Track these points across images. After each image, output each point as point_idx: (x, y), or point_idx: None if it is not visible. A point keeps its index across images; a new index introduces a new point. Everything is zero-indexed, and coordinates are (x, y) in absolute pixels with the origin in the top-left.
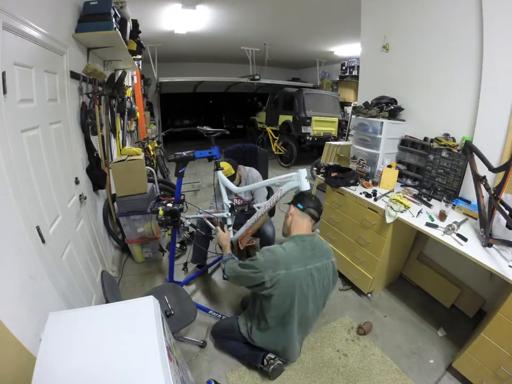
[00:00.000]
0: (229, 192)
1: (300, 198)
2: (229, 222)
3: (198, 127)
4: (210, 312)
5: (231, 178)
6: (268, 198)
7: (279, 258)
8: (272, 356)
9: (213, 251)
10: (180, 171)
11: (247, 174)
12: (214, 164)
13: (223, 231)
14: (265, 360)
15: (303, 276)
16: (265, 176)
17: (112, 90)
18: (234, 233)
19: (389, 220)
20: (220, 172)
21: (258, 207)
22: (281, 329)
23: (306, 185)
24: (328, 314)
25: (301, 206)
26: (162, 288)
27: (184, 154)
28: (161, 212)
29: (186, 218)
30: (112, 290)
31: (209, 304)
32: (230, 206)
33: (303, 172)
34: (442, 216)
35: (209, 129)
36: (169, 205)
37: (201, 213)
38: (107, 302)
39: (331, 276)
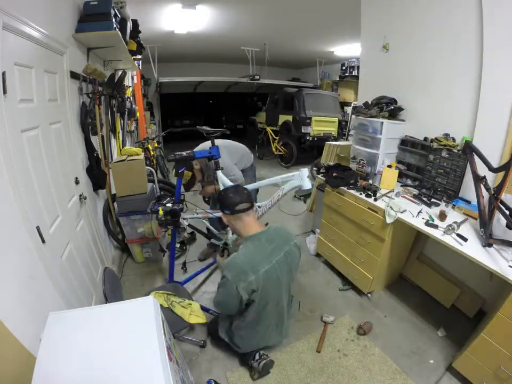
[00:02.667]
0: None
1: (221, 204)
2: None
3: (197, 126)
4: (210, 311)
5: (192, 180)
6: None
7: (243, 267)
8: (265, 352)
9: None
10: (180, 171)
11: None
12: (213, 163)
13: (222, 255)
14: (257, 355)
15: (272, 272)
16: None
17: (112, 90)
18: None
19: (389, 220)
20: (219, 172)
21: (259, 206)
22: (258, 324)
23: (308, 184)
24: (328, 314)
25: (227, 211)
26: (163, 288)
27: (184, 154)
28: (161, 212)
29: (184, 219)
30: (113, 288)
31: (209, 303)
32: None
33: (305, 171)
34: (442, 216)
35: (209, 129)
36: (169, 204)
37: (198, 213)
38: (105, 298)
39: (296, 258)
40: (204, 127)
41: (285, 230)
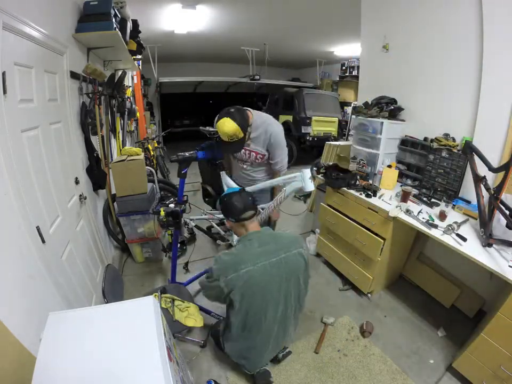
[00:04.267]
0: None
1: (225, 212)
2: None
3: (200, 127)
4: (212, 314)
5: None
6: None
7: (227, 262)
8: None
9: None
10: (183, 172)
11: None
12: (215, 164)
13: None
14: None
15: (256, 276)
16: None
17: (112, 90)
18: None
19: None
20: (223, 172)
21: (262, 208)
22: (250, 336)
23: (310, 186)
24: (328, 314)
25: (233, 220)
26: (166, 289)
27: (187, 154)
28: (162, 213)
29: (191, 220)
30: (113, 285)
31: (211, 305)
32: None
33: (307, 172)
34: (442, 216)
35: (212, 129)
36: (171, 205)
37: (206, 214)
38: (104, 296)
39: (298, 268)
40: (207, 128)
41: (290, 236)
